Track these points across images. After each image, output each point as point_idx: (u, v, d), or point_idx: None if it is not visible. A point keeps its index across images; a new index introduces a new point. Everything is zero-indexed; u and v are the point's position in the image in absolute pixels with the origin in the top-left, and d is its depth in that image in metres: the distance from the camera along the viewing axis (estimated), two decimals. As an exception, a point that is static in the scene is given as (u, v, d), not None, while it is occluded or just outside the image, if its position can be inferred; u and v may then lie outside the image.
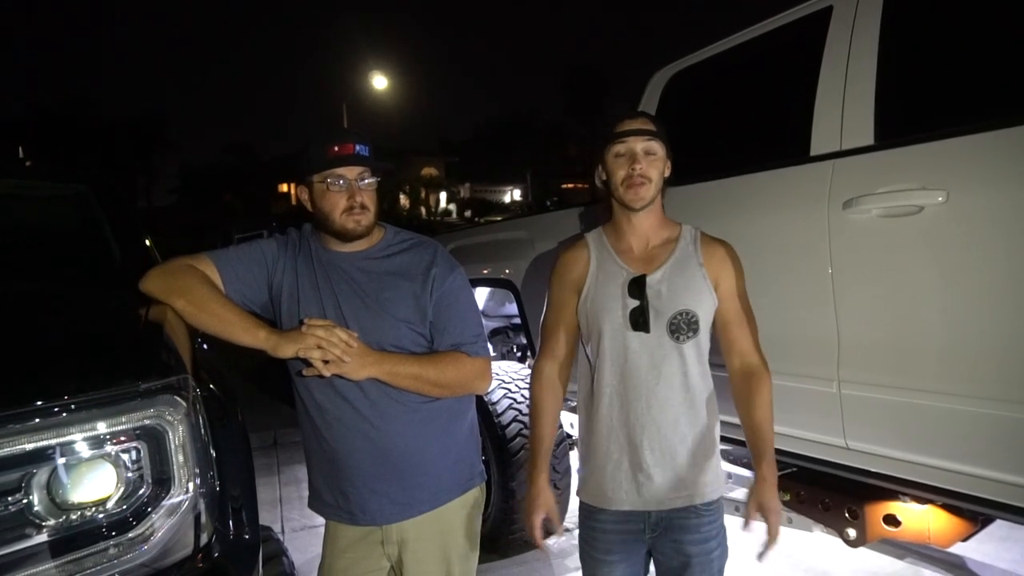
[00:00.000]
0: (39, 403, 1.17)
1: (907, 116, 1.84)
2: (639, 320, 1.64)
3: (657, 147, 1.69)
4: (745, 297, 1.75)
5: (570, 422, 3.31)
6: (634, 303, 1.65)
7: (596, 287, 1.72)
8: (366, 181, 1.66)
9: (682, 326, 1.64)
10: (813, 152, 1.98)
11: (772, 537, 1.62)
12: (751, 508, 1.63)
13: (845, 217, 1.85)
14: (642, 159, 1.66)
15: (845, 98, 1.92)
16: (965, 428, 1.66)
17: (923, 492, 1.83)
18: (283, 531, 3.75)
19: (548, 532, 1.78)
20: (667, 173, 1.74)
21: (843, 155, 1.90)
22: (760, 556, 1.62)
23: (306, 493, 1.82)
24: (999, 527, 2.18)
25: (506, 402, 3.13)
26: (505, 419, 3.08)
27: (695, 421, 1.68)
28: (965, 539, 2.01)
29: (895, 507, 2.04)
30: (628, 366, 1.66)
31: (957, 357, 1.67)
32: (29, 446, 1.14)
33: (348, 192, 1.64)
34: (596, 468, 1.72)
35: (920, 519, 2.00)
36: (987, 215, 1.59)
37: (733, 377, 1.76)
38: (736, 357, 1.74)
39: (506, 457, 3.06)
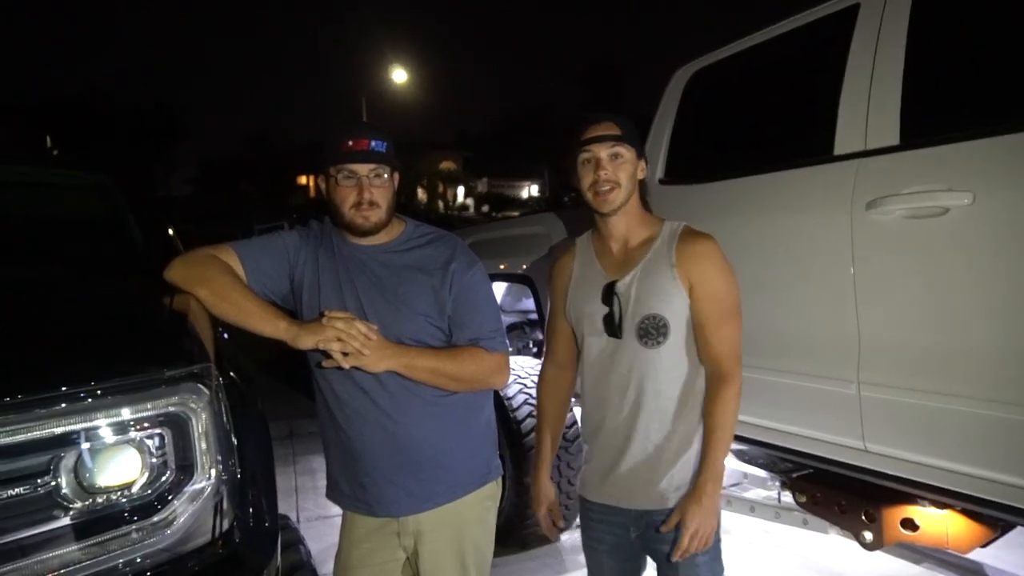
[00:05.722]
0: (65, 388, 1.19)
1: (934, 116, 1.81)
2: (611, 326, 1.66)
3: (624, 150, 1.65)
4: (725, 297, 1.63)
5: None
6: (605, 309, 1.67)
7: (577, 292, 1.76)
8: (379, 177, 1.66)
9: (651, 331, 1.62)
10: (837, 151, 1.96)
11: (679, 549, 1.57)
12: (674, 515, 1.60)
13: (869, 217, 1.83)
14: (607, 164, 1.64)
15: (871, 97, 1.90)
16: (988, 432, 1.64)
17: (943, 497, 1.81)
18: (298, 520, 3.78)
19: (559, 528, 1.90)
20: (642, 174, 1.71)
21: (868, 155, 1.88)
22: (670, 556, 1.60)
23: (321, 483, 1.83)
24: (1019, 533, 2.15)
25: (521, 397, 3.13)
26: (520, 414, 3.09)
27: (669, 427, 1.64)
28: (984, 545, 1.99)
29: (913, 511, 2.02)
30: (604, 371, 1.69)
31: (981, 361, 1.65)
32: (57, 430, 1.16)
33: (358, 188, 1.64)
34: (587, 462, 1.79)
35: (939, 524, 1.98)
36: (1015, 218, 1.57)
37: (705, 376, 1.68)
38: (707, 360, 1.65)
39: (521, 452, 3.06)
